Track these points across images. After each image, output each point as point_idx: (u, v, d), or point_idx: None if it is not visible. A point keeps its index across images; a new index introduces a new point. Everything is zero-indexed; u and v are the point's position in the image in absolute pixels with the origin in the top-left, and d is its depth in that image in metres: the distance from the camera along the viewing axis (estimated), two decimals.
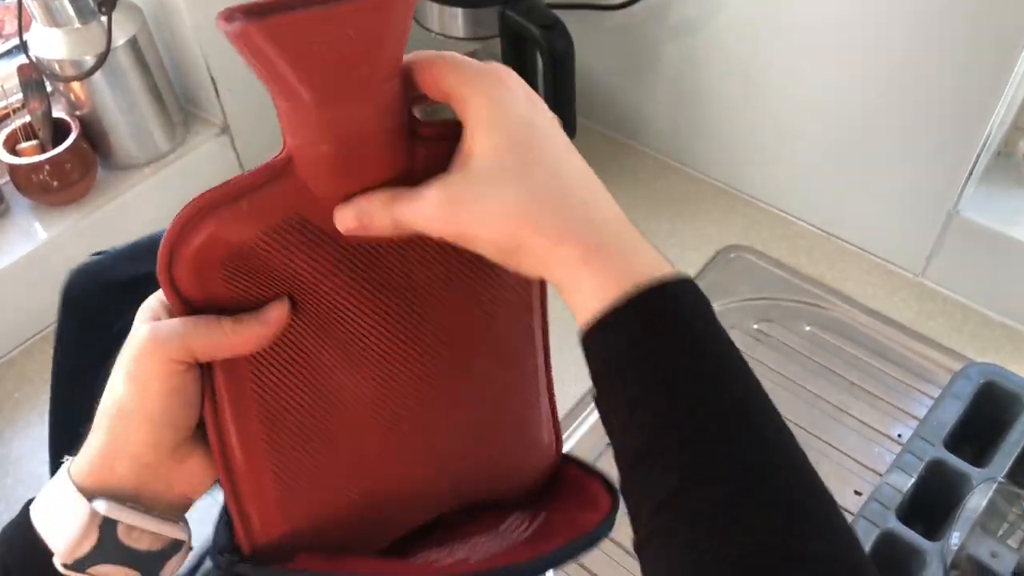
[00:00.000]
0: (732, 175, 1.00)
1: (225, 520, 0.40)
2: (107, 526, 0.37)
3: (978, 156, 0.79)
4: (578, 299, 0.34)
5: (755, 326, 0.86)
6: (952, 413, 0.70)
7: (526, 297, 0.41)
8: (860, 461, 0.76)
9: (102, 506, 0.37)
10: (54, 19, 0.82)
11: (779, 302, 0.88)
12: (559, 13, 0.84)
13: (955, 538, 0.62)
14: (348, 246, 0.36)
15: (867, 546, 0.63)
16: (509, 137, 0.34)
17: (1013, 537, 0.65)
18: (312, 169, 0.34)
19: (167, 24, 0.91)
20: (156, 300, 0.38)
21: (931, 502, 0.66)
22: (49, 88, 0.89)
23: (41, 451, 0.57)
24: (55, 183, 0.86)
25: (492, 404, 0.42)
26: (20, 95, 0.87)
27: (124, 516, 0.37)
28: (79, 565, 0.37)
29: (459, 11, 0.87)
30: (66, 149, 0.86)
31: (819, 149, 0.90)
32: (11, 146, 0.87)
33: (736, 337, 0.84)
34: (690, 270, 0.91)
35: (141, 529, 0.38)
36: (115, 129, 0.90)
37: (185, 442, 0.38)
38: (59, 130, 0.89)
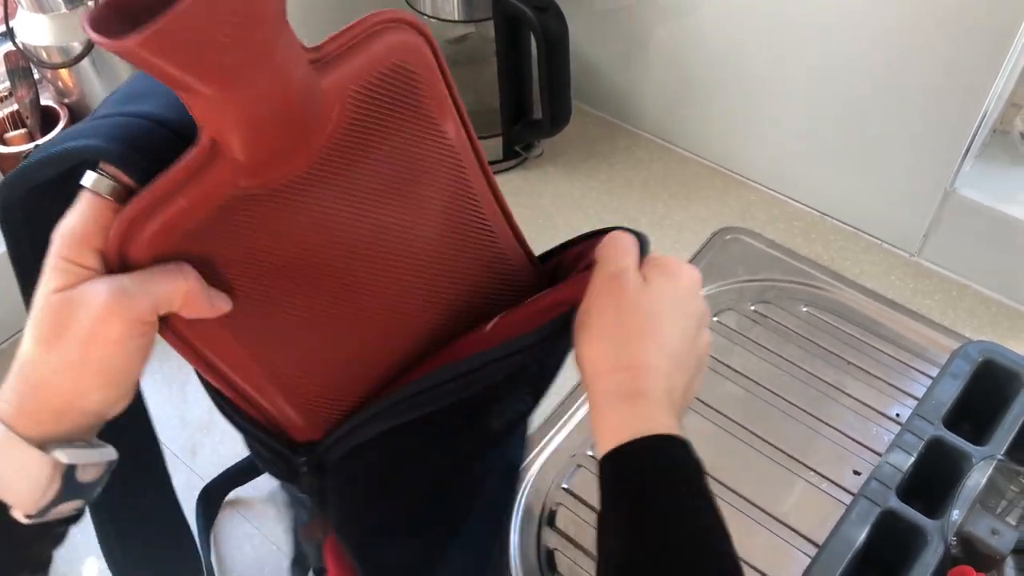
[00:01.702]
0: (727, 156, 1.00)
1: (267, 450, 0.44)
2: (68, 472, 0.37)
3: (975, 133, 0.79)
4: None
5: (752, 307, 0.86)
6: (951, 391, 0.70)
7: (457, 168, 0.44)
8: (858, 440, 0.76)
9: (63, 455, 0.37)
10: (40, 5, 0.81)
11: (776, 283, 0.88)
12: None
13: (955, 516, 0.62)
14: (293, 196, 0.38)
15: (867, 525, 0.63)
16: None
17: (1012, 514, 0.65)
18: (237, 144, 0.35)
19: None
20: (79, 229, 0.35)
21: (931, 480, 0.66)
22: (36, 75, 0.87)
23: None
24: None
25: (467, 259, 0.46)
26: (7, 83, 0.86)
27: (81, 457, 0.38)
28: (41, 513, 0.37)
29: None
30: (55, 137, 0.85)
31: (814, 128, 0.89)
32: None
33: (733, 319, 0.85)
34: (686, 252, 0.91)
35: (94, 464, 0.39)
36: None
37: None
38: (47, 118, 0.88)
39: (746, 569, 0.68)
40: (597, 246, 0.46)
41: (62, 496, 0.37)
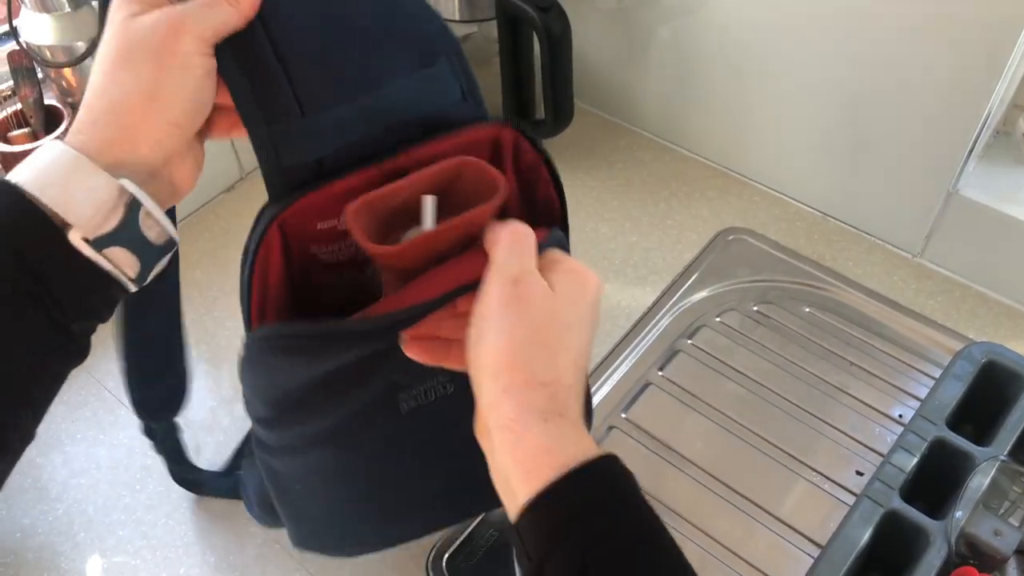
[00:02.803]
0: (728, 156, 1.00)
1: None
2: (132, 206, 0.38)
3: (977, 135, 0.79)
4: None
5: (755, 308, 0.86)
6: (954, 392, 0.70)
7: None
8: (861, 441, 0.76)
9: (130, 185, 0.38)
10: (44, 4, 0.81)
11: (778, 284, 0.88)
12: None
13: (958, 517, 0.62)
14: None
15: (870, 526, 0.63)
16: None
17: (1015, 515, 0.65)
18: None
19: None
20: None
21: (934, 481, 0.66)
22: (40, 75, 0.87)
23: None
24: None
25: None
26: (11, 82, 0.86)
27: (145, 200, 0.39)
28: (99, 243, 0.38)
29: None
30: (58, 136, 0.85)
31: (816, 129, 0.89)
32: (2, 134, 0.86)
33: (736, 319, 0.85)
34: (688, 252, 0.91)
35: (154, 218, 0.39)
36: None
37: (192, 139, 0.42)
38: (51, 117, 0.88)
39: (748, 570, 0.69)
40: (490, 237, 0.42)
41: (120, 232, 0.38)
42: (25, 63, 0.85)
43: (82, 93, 0.86)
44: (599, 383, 0.80)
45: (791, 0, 0.82)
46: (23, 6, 0.83)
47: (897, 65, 0.79)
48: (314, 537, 0.59)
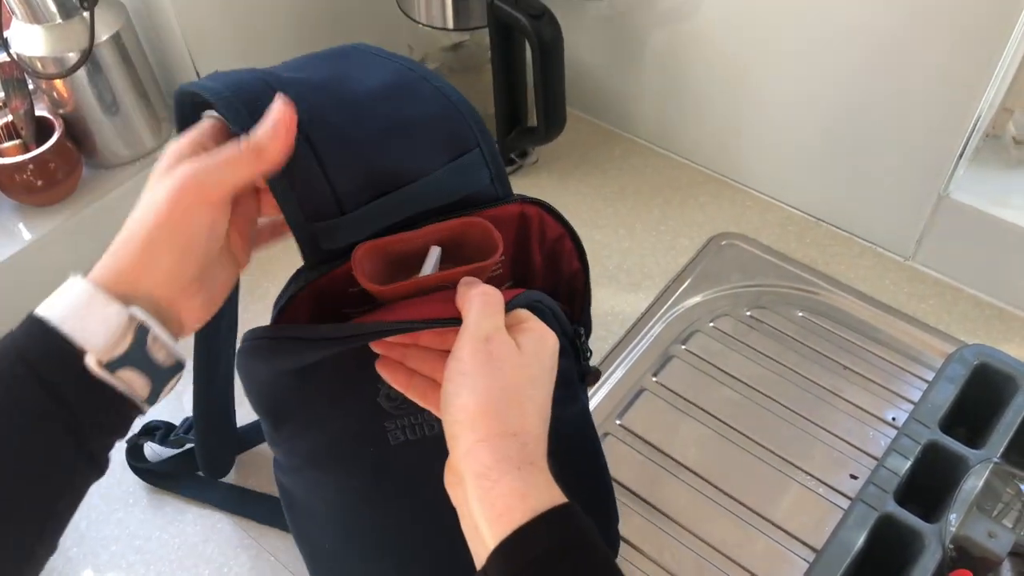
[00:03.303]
0: (720, 162, 1.00)
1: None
2: (140, 332, 0.42)
3: (968, 138, 0.79)
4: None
5: (748, 313, 0.87)
6: (947, 395, 0.70)
7: None
8: (855, 444, 0.76)
9: (139, 312, 0.42)
10: (35, 15, 0.81)
11: (771, 288, 0.89)
12: (545, 2, 0.84)
13: (952, 519, 0.62)
14: None
15: (865, 530, 0.63)
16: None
17: (1008, 517, 0.65)
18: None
19: (151, 19, 0.90)
20: (186, 139, 0.46)
21: (927, 484, 0.67)
22: (31, 86, 0.87)
23: None
24: (39, 183, 0.85)
25: None
26: (1, 94, 0.86)
27: (153, 325, 0.43)
28: (111, 365, 0.41)
29: (447, 2, 0.86)
30: (50, 148, 0.85)
31: (807, 134, 0.90)
32: None
33: (729, 324, 0.85)
34: (682, 257, 0.91)
35: (162, 342, 0.43)
36: (100, 127, 0.89)
37: (201, 276, 0.45)
38: (42, 129, 0.88)
39: (744, 575, 0.69)
40: (462, 298, 0.45)
41: (130, 356, 0.42)
42: (16, 74, 0.85)
43: (73, 104, 0.87)
44: (593, 390, 0.81)
45: (782, 7, 0.82)
46: (14, 17, 0.82)
47: (888, 70, 0.79)
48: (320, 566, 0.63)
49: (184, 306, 0.45)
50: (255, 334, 0.50)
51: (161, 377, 0.44)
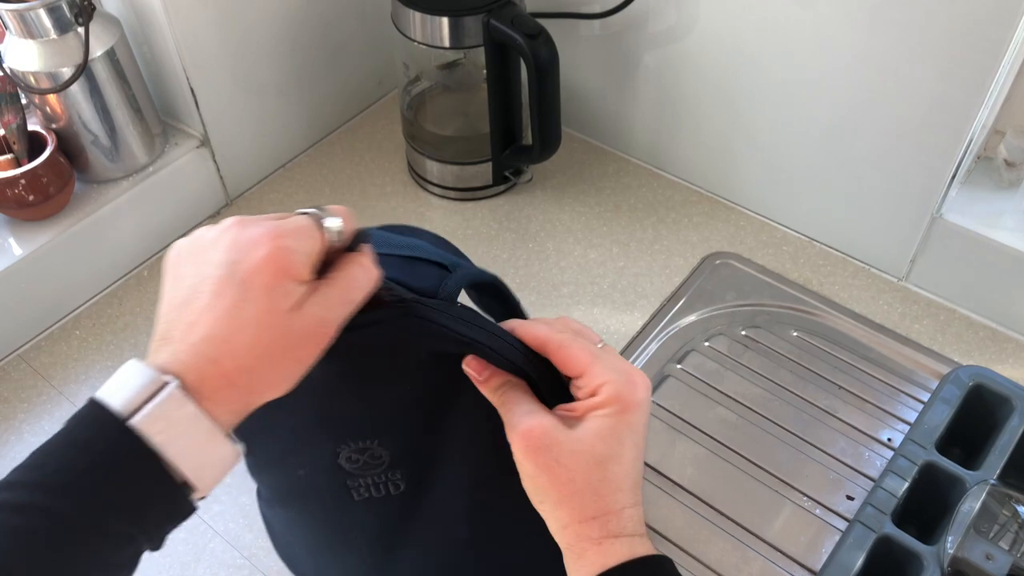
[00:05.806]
0: (714, 181, 1.00)
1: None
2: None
3: (960, 160, 0.80)
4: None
5: (743, 332, 0.87)
6: (942, 416, 0.70)
7: None
8: (851, 465, 0.76)
9: (241, 447, 0.41)
10: (29, 30, 0.81)
11: (766, 308, 0.89)
12: (541, 22, 0.84)
13: (950, 541, 0.62)
14: None
15: (863, 551, 0.63)
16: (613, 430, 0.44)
17: (1004, 538, 0.65)
18: None
19: (145, 35, 0.90)
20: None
21: (924, 505, 0.66)
22: (24, 101, 0.87)
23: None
24: (31, 197, 0.84)
25: None
26: None
27: (243, 451, 0.42)
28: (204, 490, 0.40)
29: (443, 20, 0.86)
30: (42, 163, 0.84)
31: (802, 155, 0.90)
32: None
33: (724, 344, 0.85)
34: (676, 276, 0.91)
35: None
36: (93, 142, 0.88)
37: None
38: (35, 143, 0.87)
39: None
40: (497, 397, 0.46)
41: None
42: (8, 89, 0.84)
43: (66, 119, 0.86)
44: None
45: (776, 28, 0.83)
46: (7, 32, 0.82)
47: (881, 92, 0.80)
48: None
49: (259, 384, 0.44)
50: None
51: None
